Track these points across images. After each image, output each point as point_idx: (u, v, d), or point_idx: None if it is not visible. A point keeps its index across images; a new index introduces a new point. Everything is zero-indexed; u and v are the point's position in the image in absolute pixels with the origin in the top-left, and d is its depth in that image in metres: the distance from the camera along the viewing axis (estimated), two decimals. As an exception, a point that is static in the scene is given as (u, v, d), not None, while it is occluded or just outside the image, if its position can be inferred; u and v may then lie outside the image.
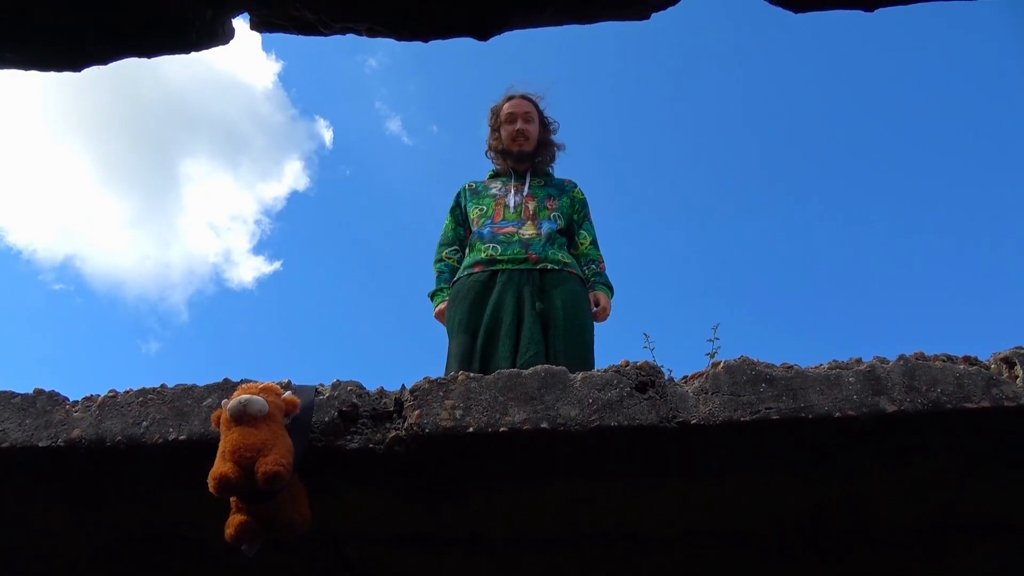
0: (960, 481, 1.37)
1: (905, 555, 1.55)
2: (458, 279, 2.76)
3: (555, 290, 2.62)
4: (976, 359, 1.31)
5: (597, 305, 2.76)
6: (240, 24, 0.95)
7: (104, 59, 0.94)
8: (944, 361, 1.31)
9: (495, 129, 3.05)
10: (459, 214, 3.00)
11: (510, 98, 3.02)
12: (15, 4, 0.80)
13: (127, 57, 0.94)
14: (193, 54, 0.95)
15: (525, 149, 2.95)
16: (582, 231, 2.93)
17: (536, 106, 3.02)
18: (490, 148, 3.07)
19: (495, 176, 3.04)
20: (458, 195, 3.03)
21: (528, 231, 2.75)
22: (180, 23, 0.88)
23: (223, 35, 0.95)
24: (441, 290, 2.86)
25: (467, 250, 2.87)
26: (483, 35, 0.90)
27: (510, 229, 2.77)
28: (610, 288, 2.86)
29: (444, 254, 2.95)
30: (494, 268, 2.69)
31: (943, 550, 1.54)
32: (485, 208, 2.88)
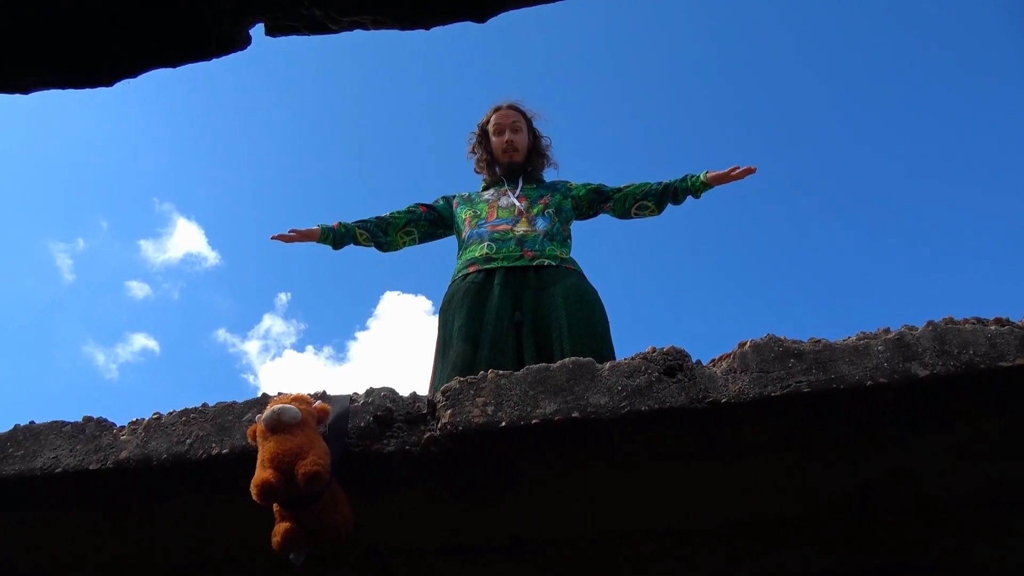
0: (1009, 448, 1.33)
1: (962, 534, 1.50)
2: (452, 282, 2.64)
3: (555, 286, 2.49)
4: (1007, 320, 1.30)
5: (736, 170, 2.65)
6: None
7: (134, 72, 1.01)
8: (974, 324, 1.29)
9: (483, 145, 2.94)
10: (443, 204, 2.88)
11: (497, 109, 2.93)
12: (55, 27, 0.88)
13: (155, 68, 1.02)
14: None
15: (515, 160, 2.86)
16: (602, 187, 2.86)
17: (524, 116, 2.93)
18: (479, 164, 2.97)
19: (486, 188, 2.93)
20: (451, 196, 2.92)
21: (522, 227, 2.65)
22: (200, 33, 0.96)
23: (240, 42, 1.02)
24: (337, 228, 2.74)
25: (460, 252, 2.76)
26: (481, 17, 0.96)
27: (505, 227, 2.67)
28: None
29: (389, 213, 2.82)
30: (490, 267, 2.57)
31: (1003, 527, 1.49)
32: (479, 211, 2.77)
